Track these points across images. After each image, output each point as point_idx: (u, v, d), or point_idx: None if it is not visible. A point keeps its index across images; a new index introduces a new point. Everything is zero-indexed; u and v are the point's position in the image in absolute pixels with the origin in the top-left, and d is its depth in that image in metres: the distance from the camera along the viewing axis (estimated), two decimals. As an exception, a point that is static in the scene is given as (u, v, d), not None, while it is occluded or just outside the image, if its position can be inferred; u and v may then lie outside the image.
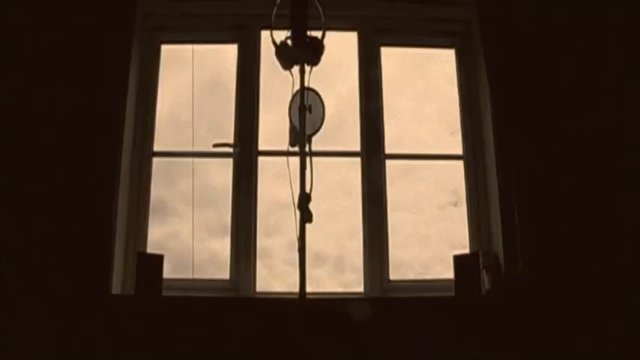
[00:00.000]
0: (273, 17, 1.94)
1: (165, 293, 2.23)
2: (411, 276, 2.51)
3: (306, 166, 1.81)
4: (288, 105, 1.91)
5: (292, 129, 1.86)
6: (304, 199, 1.77)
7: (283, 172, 1.84)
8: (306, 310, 1.77)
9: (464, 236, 2.55)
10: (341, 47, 2.72)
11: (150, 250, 2.45)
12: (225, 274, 2.45)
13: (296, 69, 1.88)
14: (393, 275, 2.47)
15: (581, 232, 2.19)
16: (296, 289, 1.72)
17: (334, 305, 2.21)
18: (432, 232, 2.61)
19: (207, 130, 2.65)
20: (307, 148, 1.84)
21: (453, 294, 2.27)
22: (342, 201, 2.58)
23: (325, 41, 1.90)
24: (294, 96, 1.90)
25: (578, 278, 2.14)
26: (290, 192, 1.80)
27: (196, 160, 2.62)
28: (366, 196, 2.53)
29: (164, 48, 2.71)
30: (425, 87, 2.78)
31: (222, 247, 2.49)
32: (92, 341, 2.09)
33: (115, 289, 2.28)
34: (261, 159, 2.57)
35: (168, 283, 2.29)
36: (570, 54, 2.35)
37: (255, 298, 2.39)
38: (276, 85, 2.59)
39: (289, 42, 1.87)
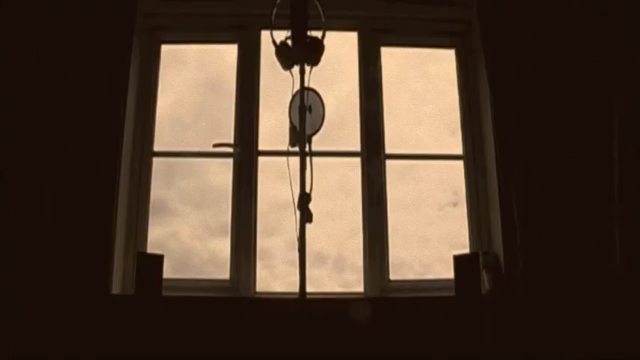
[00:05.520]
0: (273, 17, 1.94)
1: (165, 293, 2.23)
2: (411, 276, 2.52)
3: (306, 166, 1.81)
4: (288, 105, 1.92)
5: (292, 129, 1.86)
6: (304, 199, 1.77)
7: (283, 172, 1.85)
8: (306, 310, 1.77)
9: (464, 236, 2.55)
10: (341, 47, 2.72)
11: (150, 250, 2.45)
12: (225, 274, 2.45)
13: (296, 69, 1.88)
14: (393, 275, 2.48)
15: (581, 232, 2.19)
16: (296, 289, 1.72)
17: (334, 305, 2.21)
18: (432, 232, 2.61)
19: (207, 130, 2.65)
20: (307, 148, 1.84)
21: (453, 294, 2.27)
22: (342, 201, 2.58)
23: (325, 41, 1.90)
24: (294, 96, 1.90)
25: (578, 278, 2.14)
26: (290, 192, 1.81)
27: (196, 160, 2.63)
28: (366, 196, 2.53)
29: (164, 48, 2.71)
30: (425, 87, 2.79)
31: (222, 247, 2.49)
32: (92, 341, 2.09)
33: (115, 289, 2.28)
34: (261, 159, 2.57)
35: (168, 283, 2.29)
36: (571, 54, 2.35)
37: (255, 298, 2.40)
38: (276, 85, 2.60)
39: (289, 42, 1.87)
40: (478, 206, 2.55)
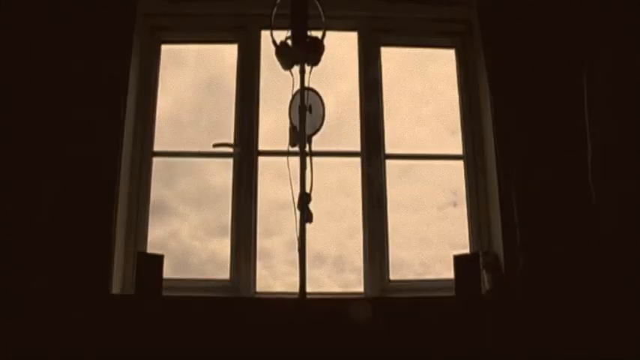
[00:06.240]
0: (272, 17, 1.94)
1: (165, 293, 2.23)
2: (411, 276, 2.52)
3: (306, 166, 1.81)
4: (288, 105, 1.92)
5: (292, 129, 1.86)
6: (304, 199, 1.77)
7: (283, 172, 1.85)
8: (306, 310, 1.77)
9: (464, 236, 2.55)
10: (341, 47, 2.72)
11: (150, 250, 2.45)
12: (225, 274, 2.45)
13: (296, 69, 1.88)
14: (393, 275, 2.48)
15: (580, 232, 2.19)
16: (296, 289, 1.72)
17: (334, 305, 2.21)
18: (432, 232, 2.61)
19: (207, 130, 2.65)
20: (307, 148, 1.84)
21: (453, 294, 2.27)
22: (342, 201, 2.58)
23: (325, 41, 1.90)
24: (294, 96, 1.90)
25: (578, 278, 2.14)
26: (290, 192, 1.81)
27: (196, 160, 2.62)
28: (366, 196, 2.53)
29: (164, 48, 2.71)
30: (425, 87, 2.79)
31: (222, 247, 2.49)
32: (92, 341, 2.09)
33: (115, 289, 2.29)
34: (261, 159, 2.57)
35: (168, 283, 2.29)
36: (570, 54, 2.35)
37: (255, 298, 2.40)
38: (276, 85, 2.60)
39: (289, 42, 1.88)
40: (478, 206, 2.55)
